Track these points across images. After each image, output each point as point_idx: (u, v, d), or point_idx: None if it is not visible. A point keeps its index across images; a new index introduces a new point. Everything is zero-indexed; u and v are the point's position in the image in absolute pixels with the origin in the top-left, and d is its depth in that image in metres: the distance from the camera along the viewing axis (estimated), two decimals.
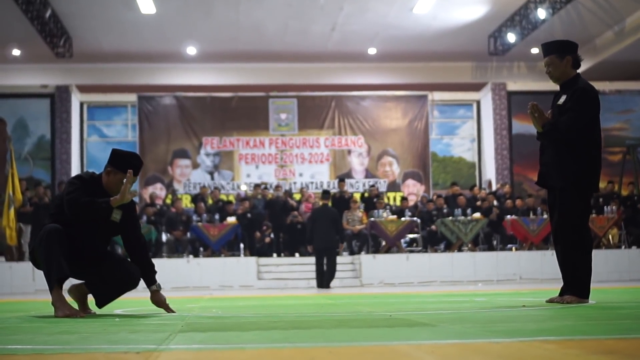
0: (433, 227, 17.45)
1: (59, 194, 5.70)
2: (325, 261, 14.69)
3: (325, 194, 15.61)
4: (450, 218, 17.03)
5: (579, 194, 5.68)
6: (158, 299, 5.58)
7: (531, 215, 17.22)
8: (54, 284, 5.13)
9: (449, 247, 17.17)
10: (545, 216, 16.68)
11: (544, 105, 5.97)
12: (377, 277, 15.84)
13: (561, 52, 5.87)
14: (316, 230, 14.63)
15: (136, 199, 20.97)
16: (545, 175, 5.89)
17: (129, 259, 5.65)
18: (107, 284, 5.47)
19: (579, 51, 5.97)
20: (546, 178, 5.88)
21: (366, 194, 19.39)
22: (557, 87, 5.99)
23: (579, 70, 5.94)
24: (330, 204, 15.76)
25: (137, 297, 10.59)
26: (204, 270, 15.94)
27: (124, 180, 5.28)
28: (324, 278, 14.64)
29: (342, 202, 17.95)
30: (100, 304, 5.58)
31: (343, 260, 16.74)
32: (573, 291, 5.65)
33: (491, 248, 17.29)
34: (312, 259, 16.67)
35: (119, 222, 5.37)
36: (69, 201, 5.23)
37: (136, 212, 5.77)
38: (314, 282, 15.63)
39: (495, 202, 18.24)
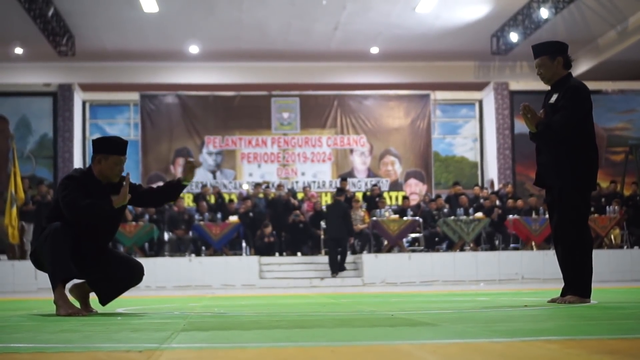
0: (437, 228, 17.45)
1: (54, 197, 5.71)
2: (339, 249, 16.24)
3: (340, 191, 17.24)
4: (453, 218, 17.03)
5: (577, 192, 5.67)
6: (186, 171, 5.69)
7: (533, 215, 17.21)
8: (58, 283, 5.14)
9: (451, 247, 17.17)
10: (547, 216, 16.67)
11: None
12: (379, 277, 15.85)
13: (552, 53, 5.88)
14: (328, 224, 16.49)
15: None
16: (542, 175, 5.88)
17: (131, 256, 5.68)
18: (111, 281, 5.48)
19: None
20: (544, 178, 5.87)
21: (368, 193, 19.39)
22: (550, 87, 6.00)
23: (570, 71, 5.94)
24: (342, 199, 16.92)
25: (140, 296, 10.62)
26: (206, 269, 15.94)
27: (124, 183, 5.32)
28: (339, 262, 16.17)
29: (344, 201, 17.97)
30: (103, 302, 5.59)
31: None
32: (574, 291, 5.64)
33: (493, 248, 17.28)
34: (313, 258, 16.85)
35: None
36: (67, 204, 5.23)
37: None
38: (316, 282, 15.68)
39: (497, 202, 18.24)
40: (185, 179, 5.67)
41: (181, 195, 20.14)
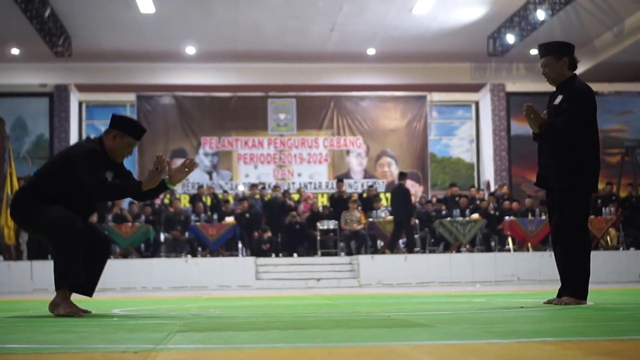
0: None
1: (57, 158, 5.55)
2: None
3: (402, 175, 17.64)
4: (449, 219, 17.04)
5: (578, 194, 5.68)
6: (174, 172, 5.51)
7: (529, 216, 17.22)
8: (65, 286, 5.11)
9: (447, 248, 17.18)
10: (543, 217, 16.70)
11: (542, 107, 5.97)
12: (375, 278, 15.84)
13: (558, 53, 5.86)
14: (393, 205, 17.23)
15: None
16: (543, 176, 5.89)
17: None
18: (89, 265, 5.34)
19: (577, 52, 5.97)
20: (545, 179, 5.88)
21: (365, 195, 19.39)
22: (555, 88, 5.99)
23: (575, 72, 5.93)
24: (405, 183, 17.56)
25: (136, 297, 10.63)
26: (202, 270, 15.93)
27: (157, 168, 5.29)
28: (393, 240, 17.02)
29: (340, 202, 17.98)
30: (91, 293, 5.51)
31: (341, 260, 16.76)
32: (571, 292, 5.65)
33: (489, 249, 17.29)
34: (310, 259, 16.85)
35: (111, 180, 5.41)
36: (96, 186, 5.18)
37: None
38: (312, 283, 15.66)
39: (493, 203, 18.25)
40: (171, 182, 5.53)
41: (177, 196, 20.14)
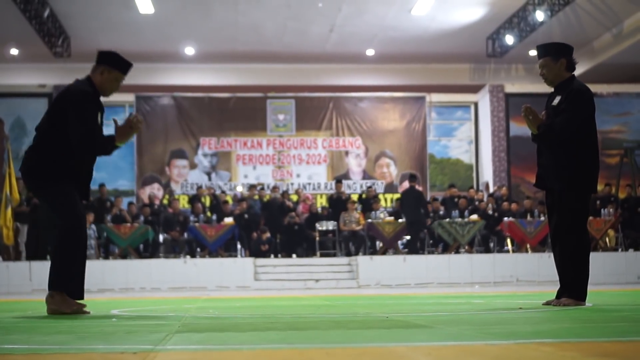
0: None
1: (53, 106, 5.50)
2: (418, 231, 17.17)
3: (412, 177, 17.97)
4: (448, 220, 17.03)
5: (577, 195, 5.68)
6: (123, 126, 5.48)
7: (528, 217, 17.22)
8: (60, 290, 5.12)
9: (446, 249, 17.18)
10: (542, 218, 16.70)
11: (541, 108, 5.97)
12: (374, 279, 15.84)
13: (556, 54, 5.86)
14: (404, 208, 17.22)
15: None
16: (543, 177, 5.89)
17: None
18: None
19: (576, 53, 5.97)
20: (544, 180, 5.88)
21: (363, 195, 19.39)
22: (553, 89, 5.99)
23: (574, 73, 5.93)
24: (416, 185, 17.95)
25: (134, 298, 10.62)
26: (201, 271, 15.92)
27: (131, 126, 5.44)
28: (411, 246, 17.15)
29: (339, 203, 17.97)
30: (82, 296, 5.51)
31: (340, 261, 16.75)
32: (570, 293, 5.65)
33: (488, 250, 17.29)
34: (308, 260, 16.81)
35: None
36: (82, 139, 5.23)
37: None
38: (310, 283, 15.65)
39: (492, 204, 18.26)
40: (118, 139, 5.50)
41: (176, 197, 20.13)
